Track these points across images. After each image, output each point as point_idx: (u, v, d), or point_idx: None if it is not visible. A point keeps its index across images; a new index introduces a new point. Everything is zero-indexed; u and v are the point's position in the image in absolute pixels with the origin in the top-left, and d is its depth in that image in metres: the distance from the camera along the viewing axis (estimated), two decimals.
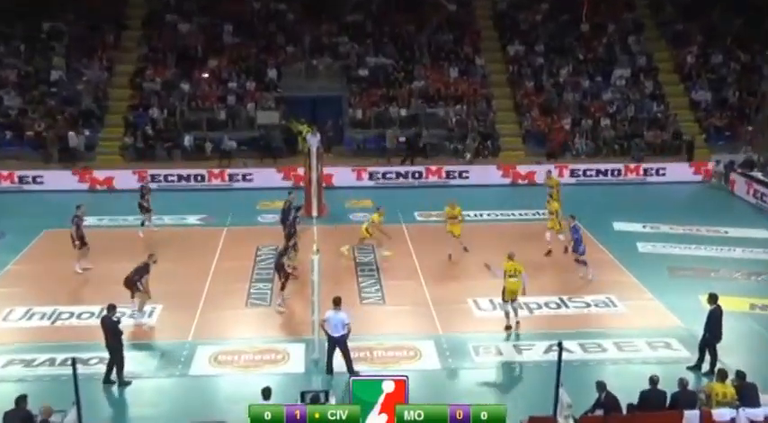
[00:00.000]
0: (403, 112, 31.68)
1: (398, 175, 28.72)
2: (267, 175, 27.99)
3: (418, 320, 16.76)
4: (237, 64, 33.04)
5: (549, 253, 19.74)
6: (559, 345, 11.30)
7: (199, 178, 27.99)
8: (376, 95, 32.16)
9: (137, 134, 29.91)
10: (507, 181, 28.79)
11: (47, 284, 18.47)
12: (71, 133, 29.33)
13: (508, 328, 16.00)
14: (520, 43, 34.39)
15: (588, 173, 29.17)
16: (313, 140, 24.54)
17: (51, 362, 14.57)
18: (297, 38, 34.02)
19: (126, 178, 27.22)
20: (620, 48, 34.45)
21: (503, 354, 15.21)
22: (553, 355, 13.62)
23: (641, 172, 29.21)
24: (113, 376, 13.84)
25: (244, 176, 28.27)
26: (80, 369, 12.60)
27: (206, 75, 32.43)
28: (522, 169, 29.01)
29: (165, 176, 27.80)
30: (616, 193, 27.72)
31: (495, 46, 34.93)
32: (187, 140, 29.93)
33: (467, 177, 28.68)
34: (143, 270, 16.48)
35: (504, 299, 16.00)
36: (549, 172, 25.15)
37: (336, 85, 32.85)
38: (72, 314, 16.70)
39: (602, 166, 29.37)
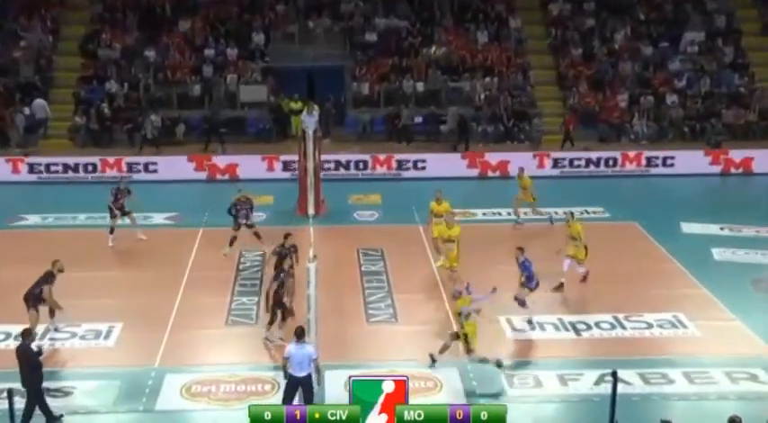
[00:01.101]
0: (420, 87, 31.72)
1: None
2: (251, 165, 28.02)
3: (438, 344, 16.70)
4: (215, 27, 33.15)
5: (560, 287, 19.14)
6: (614, 375, 11.30)
7: (167, 168, 28.00)
8: (386, 66, 32.22)
9: (90, 113, 30.04)
10: (545, 171, 28.71)
11: None
12: (18, 113, 29.48)
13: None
14: (565, 0, 34.37)
15: (653, 161, 29.09)
16: (310, 121, 24.56)
17: None
18: None
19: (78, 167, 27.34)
20: (693, 5, 34.38)
21: (543, 385, 15.20)
22: (606, 388, 13.59)
23: (719, 161, 29.11)
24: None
25: (224, 168, 28.26)
26: (18, 403, 12.75)
27: (176, 40, 32.54)
28: (564, 156, 29.01)
29: (130, 166, 27.83)
30: (686, 188, 27.70)
31: (534, 3, 35.00)
32: (153, 121, 30.02)
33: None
34: (45, 280, 16.60)
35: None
36: (522, 169, 24.08)
37: (337, 53, 32.94)
38: (8, 335, 16.64)
39: (668, 153, 29.32)
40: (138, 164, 27.98)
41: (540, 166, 28.57)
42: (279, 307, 16.44)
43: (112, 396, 14.72)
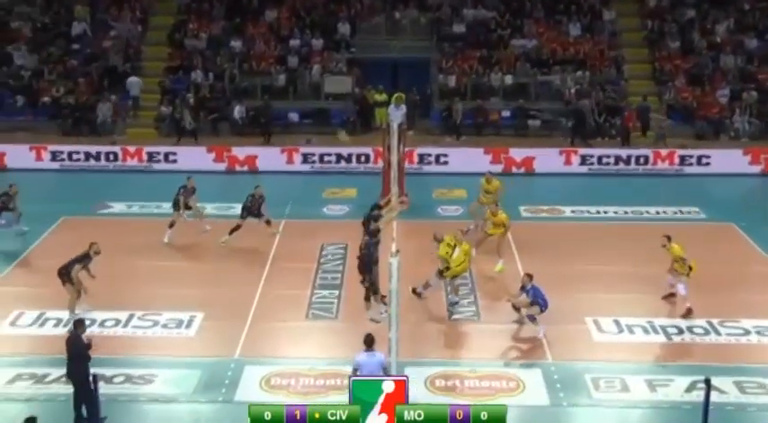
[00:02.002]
0: (508, 80, 31.52)
1: None
2: (333, 158, 28.22)
3: (522, 344, 16.65)
4: (301, 17, 33.47)
5: (671, 296, 18.64)
6: (707, 382, 11.07)
7: (250, 158, 28.36)
8: (473, 58, 32.10)
9: (175, 103, 30.64)
10: (638, 168, 28.19)
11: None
12: (101, 104, 30.26)
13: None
14: None
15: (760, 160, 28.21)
16: (396, 114, 24.60)
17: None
18: None
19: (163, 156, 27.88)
20: None
21: (630, 390, 14.98)
22: (699, 396, 13.32)
23: None
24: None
25: (306, 157, 28.53)
26: (102, 388, 13.09)
27: (262, 30, 32.95)
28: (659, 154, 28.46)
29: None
30: None
31: None
32: (237, 111, 30.48)
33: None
34: (79, 260, 17.20)
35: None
36: (490, 173, 22.64)
37: (424, 45, 32.94)
38: (94, 321, 17.20)
39: None
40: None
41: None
42: (362, 273, 16.82)
43: (192, 385, 15.00)
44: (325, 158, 28.21)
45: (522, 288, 16.89)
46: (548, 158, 28.20)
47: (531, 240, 21.55)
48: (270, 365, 15.64)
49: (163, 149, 28.29)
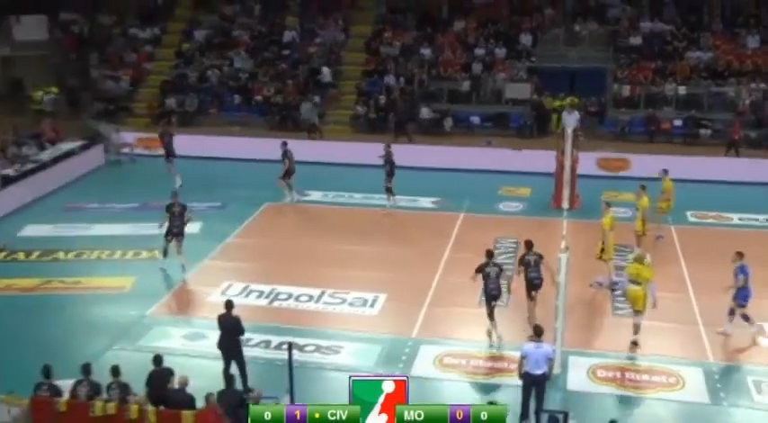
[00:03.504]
0: (681, 90, 30.28)
1: None
2: (509, 157, 27.90)
3: (683, 342, 16.04)
4: (486, 27, 33.37)
5: None
6: None
7: (434, 156, 28.44)
8: (648, 69, 31.03)
9: (369, 103, 31.20)
10: None
11: (266, 261, 19.94)
12: (304, 103, 31.19)
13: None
14: None
15: None
16: (570, 119, 24.18)
17: (266, 344, 15.70)
18: None
19: (355, 151, 28.39)
20: None
21: None
22: None
23: None
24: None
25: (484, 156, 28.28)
26: (296, 355, 13.54)
27: (450, 39, 33.05)
28: None
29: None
30: None
31: None
32: (424, 113, 30.74)
33: None
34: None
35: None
36: (643, 187, 20.30)
37: (601, 56, 32.14)
38: (290, 296, 17.85)
39: None
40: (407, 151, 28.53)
41: None
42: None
43: (373, 359, 15.32)
44: (502, 158, 27.94)
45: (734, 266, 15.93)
46: (716, 166, 26.86)
47: (696, 245, 20.71)
48: (443, 346, 15.76)
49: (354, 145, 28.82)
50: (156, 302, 17.64)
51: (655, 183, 21.17)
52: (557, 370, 14.23)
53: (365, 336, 16.24)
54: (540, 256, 16.36)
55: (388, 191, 23.41)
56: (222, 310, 14.26)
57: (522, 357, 13.00)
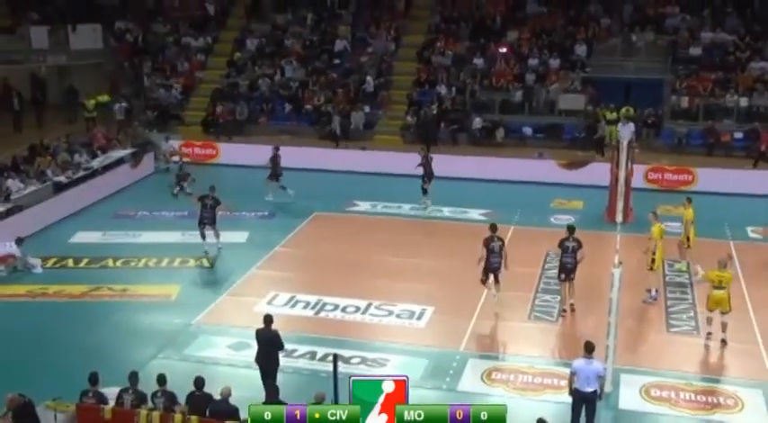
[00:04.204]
0: (743, 102, 29.71)
1: None
2: (562, 170, 27.63)
3: (742, 362, 15.68)
4: (540, 37, 33.15)
5: None
6: None
7: (485, 168, 28.26)
8: (708, 80, 30.51)
9: (420, 114, 31.16)
10: None
11: (312, 271, 19.98)
12: (354, 113, 31.28)
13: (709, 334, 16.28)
14: None
15: None
16: (625, 131, 23.87)
17: (312, 355, 15.70)
18: (614, 8, 33.41)
19: (403, 161, 28.28)
20: None
21: None
22: None
23: None
24: None
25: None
26: (341, 367, 13.48)
27: (503, 49, 32.89)
28: None
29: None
30: None
31: None
32: (476, 123, 30.59)
33: None
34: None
35: (708, 307, 16.33)
36: (689, 200, 20.25)
37: (658, 67, 31.73)
38: (336, 307, 17.85)
39: None
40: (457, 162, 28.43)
41: None
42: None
43: (419, 372, 15.21)
44: (555, 170, 27.66)
45: None
46: None
47: (756, 262, 20.26)
48: (492, 360, 15.63)
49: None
50: (202, 311, 17.77)
51: (703, 198, 20.71)
52: (608, 388, 13.99)
53: (412, 349, 16.16)
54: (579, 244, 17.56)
55: (424, 192, 24.36)
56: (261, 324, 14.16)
57: (572, 373, 12.82)
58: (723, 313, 16.13)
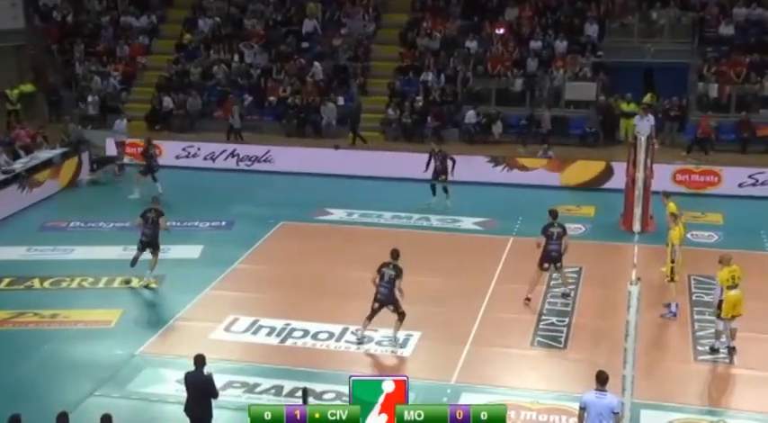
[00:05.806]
0: None
1: None
2: (574, 171, 27.87)
3: None
4: (544, 16, 33.40)
5: None
6: None
7: (479, 169, 28.44)
8: (741, 64, 30.82)
9: (404, 106, 31.29)
10: None
11: (278, 291, 19.97)
12: (323, 107, 31.39)
13: (714, 350, 16.77)
14: None
15: None
16: (644, 125, 24.06)
17: (277, 390, 15.64)
18: None
19: (386, 162, 28.47)
20: None
21: None
22: None
23: None
24: None
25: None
26: (312, 403, 13.50)
27: (501, 30, 33.10)
28: None
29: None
30: None
31: None
32: (469, 117, 30.75)
33: None
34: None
35: (720, 315, 16.59)
36: (666, 194, 20.99)
37: (683, 49, 32.06)
38: (306, 332, 17.85)
39: None
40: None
41: None
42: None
43: None
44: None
45: None
46: None
47: None
48: (489, 394, 15.62)
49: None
50: (148, 340, 17.70)
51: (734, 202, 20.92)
52: None
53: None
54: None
55: (445, 191, 24.94)
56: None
57: (582, 408, 12.86)
58: (734, 318, 16.45)
